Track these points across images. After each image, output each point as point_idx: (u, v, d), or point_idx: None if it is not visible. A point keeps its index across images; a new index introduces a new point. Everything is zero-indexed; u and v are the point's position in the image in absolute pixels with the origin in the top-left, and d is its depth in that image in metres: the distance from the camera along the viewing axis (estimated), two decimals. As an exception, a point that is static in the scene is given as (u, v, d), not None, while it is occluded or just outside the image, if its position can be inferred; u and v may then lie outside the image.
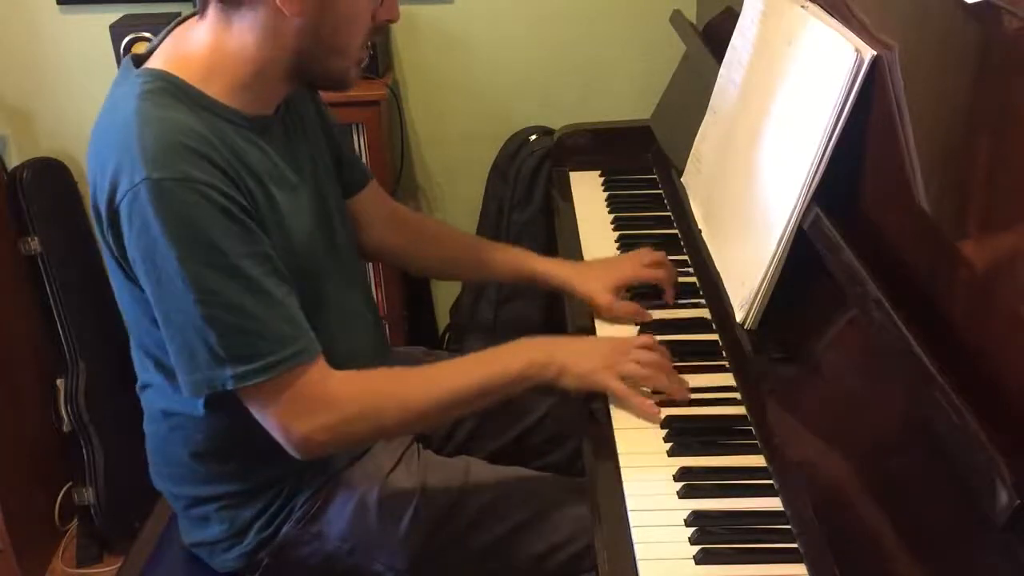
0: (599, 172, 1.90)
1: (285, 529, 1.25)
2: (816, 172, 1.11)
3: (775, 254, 1.18)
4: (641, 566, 0.99)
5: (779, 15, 1.33)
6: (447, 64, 2.16)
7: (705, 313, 1.41)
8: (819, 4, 1.25)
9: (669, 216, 1.69)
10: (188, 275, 1.02)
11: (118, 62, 1.94)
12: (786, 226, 1.15)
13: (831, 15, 1.21)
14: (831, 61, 1.11)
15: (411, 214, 1.57)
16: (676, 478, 1.10)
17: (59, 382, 2.05)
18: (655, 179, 1.83)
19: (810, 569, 0.95)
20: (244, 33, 1.08)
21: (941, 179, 0.95)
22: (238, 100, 1.11)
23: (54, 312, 2.04)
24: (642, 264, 1.46)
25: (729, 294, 1.29)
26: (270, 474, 1.23)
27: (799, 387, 1.14)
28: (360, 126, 1.99)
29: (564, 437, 1.46)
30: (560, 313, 1.54)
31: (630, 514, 1.06)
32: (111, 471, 2.09)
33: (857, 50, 1.07)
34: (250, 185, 1.09)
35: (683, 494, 1.08)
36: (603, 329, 1.41)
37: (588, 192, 1.84)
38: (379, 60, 2.00)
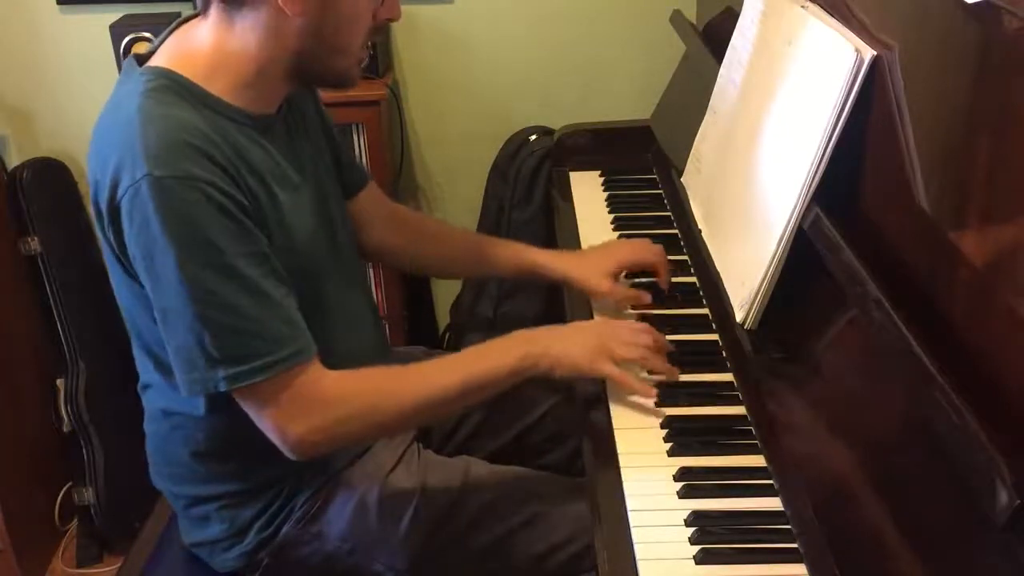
0: (599, 172, 1.90)
1: (285, 529, 1.25)
2: (816, 172, 1.12)
3: (775, 254, 1.18)
4: (641, 566, 0.99)
5: (779, 15, 1.33)
6: (447, 64, 2.16)
7: (705, 313, 1.41)
8: (819, 4, 1.25)
9: (669, 216, 1.69)
10: (186, 274, 1.02)
11: (118, 62, 1.94)
12: (786, 226, 1.16)
13: (831, 15, 1.21)
14: (831, 61, 1.11)
15: (411, 214, 1.58)
16: (676, 478, 1.10)
17: (59, 382, 2.05)
18: (655, 179, 1.83)
19: (810, 569, 0.95)
20: (246, 32, 1.09)
21: (941, 179, 0.95)
22: (241, 99, 1.11)
23: (54, 312, 2.04)
24: (639, 247, 1.49)
25: (729, 294, 1.29)
26: (270, 474, 1.23)
27: (799, 387, 1.14)
28: (360, 126, 1.99)
29: (564, 436, 1.46)
30: (560, 308, 1.55)
31: (630, 514, 1.06)
32: (111, 471, 2.09)
33: (857, 50, 1.07)
34: (252, 184, 1.09)
35: (683, 494, 1.08)
36: (602, 318, 1.42)
37: (588, 192, 1.84)
38: (379, 60, 2.00)
